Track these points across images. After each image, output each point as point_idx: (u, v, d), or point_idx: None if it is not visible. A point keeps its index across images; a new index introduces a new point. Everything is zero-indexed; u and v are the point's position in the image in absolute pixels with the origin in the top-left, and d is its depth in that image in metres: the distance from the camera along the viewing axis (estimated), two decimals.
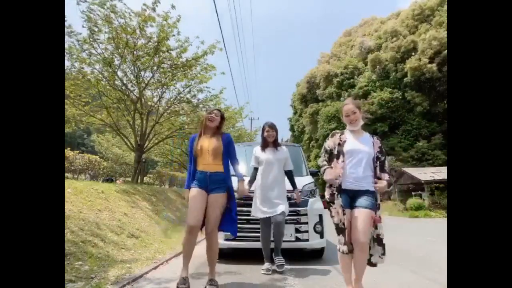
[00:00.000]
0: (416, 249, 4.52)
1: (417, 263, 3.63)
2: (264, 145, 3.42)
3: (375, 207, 2.20)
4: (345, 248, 2.17)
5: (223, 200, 2.61)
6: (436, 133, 23.11)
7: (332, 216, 2.28)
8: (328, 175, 2.25)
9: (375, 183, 2.24)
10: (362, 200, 2.19)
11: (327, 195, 2.31)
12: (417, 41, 24.81)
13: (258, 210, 3.28)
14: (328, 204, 2.32)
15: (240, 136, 16.44)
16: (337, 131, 2.48)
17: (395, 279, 2.35)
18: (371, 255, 2.25)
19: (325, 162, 2.36)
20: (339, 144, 2.33)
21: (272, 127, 3.41)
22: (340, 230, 2.21)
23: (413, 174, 17.63)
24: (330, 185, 2.29)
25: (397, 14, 31.26)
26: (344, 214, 2.17)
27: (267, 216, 3.22)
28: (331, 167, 2.29)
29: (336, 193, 2.23)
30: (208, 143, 2.66)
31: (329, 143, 2.41)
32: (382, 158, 2.33)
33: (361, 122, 2.39)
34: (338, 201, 2.22)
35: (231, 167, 2.80)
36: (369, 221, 2.15)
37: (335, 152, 2.33)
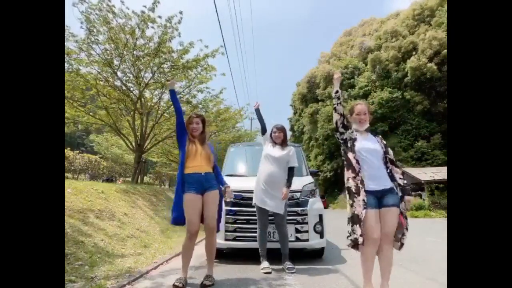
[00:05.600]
0: (416, 249, 4.53)
1: (417, 263, 3.63)
2: (273, 144, 3.55)
3: (400, 205, 2.25)
4: (361, 239, 2.11)
5: (218, 196, 2.83)
6: (436, 133, 23.08)
7: (351, 206, 2.23)
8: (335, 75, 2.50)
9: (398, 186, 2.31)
10: (390, 199, 2.23)
11: (351, 185, 2.26)
12: (417, 41, 24.78)
13: (259, 199, 3.34)
14: (352, 196, 2.26)
15: (240, 136, 16.43)
16: None
17: (395, 279, 2.35)
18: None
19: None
20: (351, 137, 2.39)
21: (280, 129, 3.54)
22: (357, 220, 2.14)
23: (413, 174, 17.60)
24: (354, 177, 2.27)
25: (396, 14, 31.23)
26: (364, 208, 2.14)
27: (266, 207, 3.28)
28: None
29: (361, 186, 2.21)
30: (200, 149, 2.85)
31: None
32: (390, 155, 2.39)
33: (367, 125, 2.45)
34: (363, 195, 2.18)
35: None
36: (397, 218, 2.23)
37: (349, 144, 2.37)
